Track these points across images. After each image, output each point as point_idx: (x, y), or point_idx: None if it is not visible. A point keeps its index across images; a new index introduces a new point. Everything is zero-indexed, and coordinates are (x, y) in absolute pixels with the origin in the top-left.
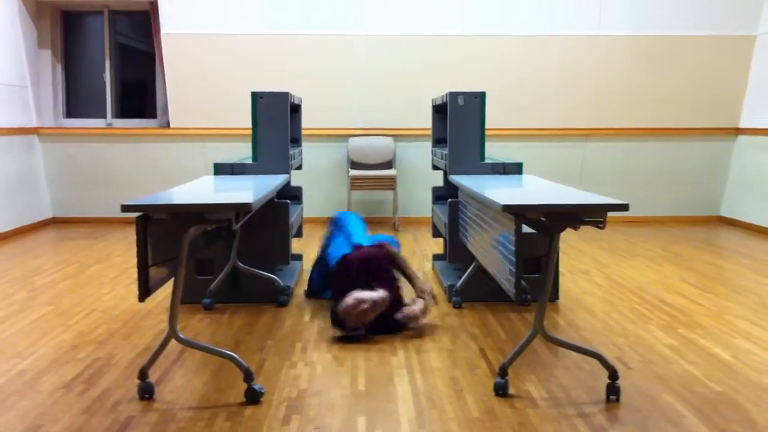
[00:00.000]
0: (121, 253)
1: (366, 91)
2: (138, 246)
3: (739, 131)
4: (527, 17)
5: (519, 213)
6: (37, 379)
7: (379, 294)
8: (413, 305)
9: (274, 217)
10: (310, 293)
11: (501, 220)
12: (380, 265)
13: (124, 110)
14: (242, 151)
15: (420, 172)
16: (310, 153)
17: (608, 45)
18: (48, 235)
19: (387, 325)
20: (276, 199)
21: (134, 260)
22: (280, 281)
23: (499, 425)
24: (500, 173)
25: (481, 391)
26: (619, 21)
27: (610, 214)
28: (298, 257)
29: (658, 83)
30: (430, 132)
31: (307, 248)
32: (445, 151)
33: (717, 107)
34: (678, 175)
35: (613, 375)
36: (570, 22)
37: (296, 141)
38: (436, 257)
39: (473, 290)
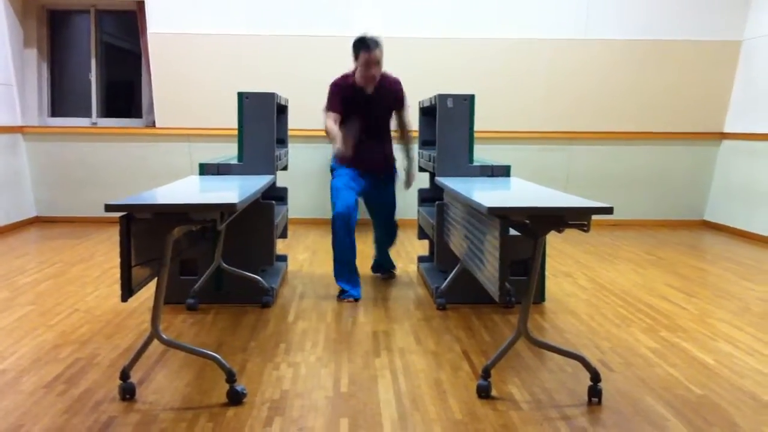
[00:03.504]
0: (105, 252)
1: None
2: (121, 246)
3: (723, 136)
4: (515, 20)
5: (504, 215)
6: (18, 379)
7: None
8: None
9: (259, 218)
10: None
11: (486, 222)
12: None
13: (110, 109)
14: (228, 151)
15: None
16: (296, 154)
17: (595, 49)
18: (31, 235)
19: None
20: (261, 200)
21: (117, 260)
22: (264, 282)
23: (482, 427)
24: (488, 176)
25: (464, 393)
26: (606, 25)
27: (594, 217)
28: (283, 258)
29: (644, 87)
30: (416, 134)
31: (292, 249)
32: (433, 153)
33: (702, 112)
34: (662, 179)
35: (596, 377)
36: (557, 25)
37: (282, 142)
38: (422, 259)
39: (458, 292)
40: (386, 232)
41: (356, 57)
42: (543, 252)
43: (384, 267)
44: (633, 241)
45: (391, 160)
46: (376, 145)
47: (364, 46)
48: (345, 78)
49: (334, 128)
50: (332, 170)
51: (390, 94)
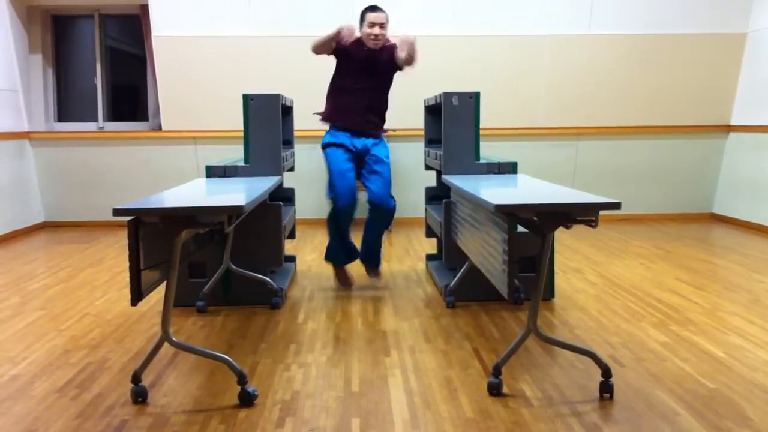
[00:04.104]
0: (114, 256)
1: None
2: (130, 250)
3: (730, 128)
4: (518, 17)
5: (512, 213)
6: (30, 384)
7: None
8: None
9: (267, 220)
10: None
11: (494, 219)
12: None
13: (116, 113)
14: (234, 154)
15: (412, 172)
16: (302, 154)
17: (600, 44)
18: (40, 240)
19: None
20: (269, 201)
21: (126, 264)
22: (273, 283)
23: (494, 425)
24: (495, 173)
25: (475, 391)
26: (610, 20)
27: (602, 212)
28: (291, 259)
29: (649, 81)
30: (421, 132)
31: (300, 250)
32: (439, 152)
33: (708, 105)
34: (670, 172)
35: (607, 373)
36: (561, 21)
37: (289, 143)
38: (430, 257)
39: (467, 290)
40: (377, 209)
41: (362, 20)
42: (551, 248)
43: (368, 260)
44: (641, 235)
45: (382, 122)
46: (370, 103)
47: (370, 8)
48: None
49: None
50: (324, 147)
51: (388, 54)
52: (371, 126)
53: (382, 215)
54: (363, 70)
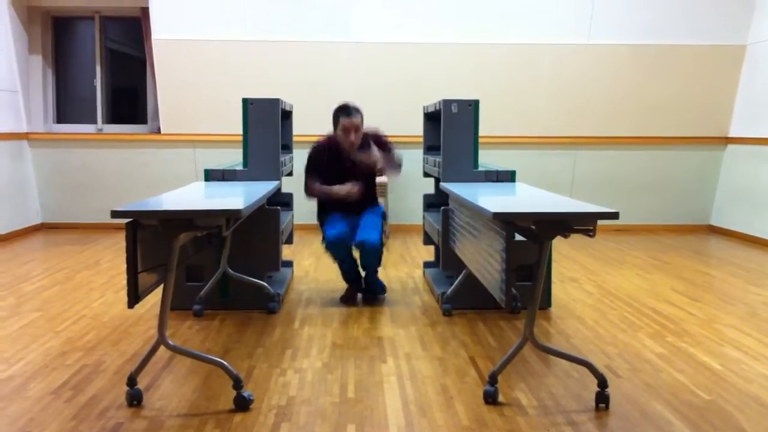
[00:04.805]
0: (111, 259)
1: (356, 98)
2: (127, 252)
3: (728, 140)
4: (519, 26)
5: (510, 221)
6: (25, 386)
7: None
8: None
9: (265, 224)
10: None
11: (492, 227)
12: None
13: (115, 116)
14: (233, 158)
15: (410, 179)
16: (301, 159)
17: (599, 54)
18: (37, 241)
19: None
20: (266, 206)
21: (124, 266)
22: (270, 288)
23: None
24: (493, 181)
25: (470, 399)
26: (610, 30)
27: (600, 222)
28: (289, 264)
29: (648, 92)
30: (420, 139)
31: (297, 255)
32: (438, 159)
33: (707, 116)
34: (668, 183)
35: (602, 383)
36: (561, 30)
37: (287, 147)
38: (428, 264)
39: (464, 297)
40: (364, 248)
41: (336, 123)
42: (549, 257)
43: (371, 289)
44: (638, 246)
45: (373, 196)
46: (361, 199)
47: (343, 113)
48: (329, 139)
49: (326, 187)
50: (320, 225)
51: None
52: (362, 204)
53: (366, 253)
54: (344, 174)
